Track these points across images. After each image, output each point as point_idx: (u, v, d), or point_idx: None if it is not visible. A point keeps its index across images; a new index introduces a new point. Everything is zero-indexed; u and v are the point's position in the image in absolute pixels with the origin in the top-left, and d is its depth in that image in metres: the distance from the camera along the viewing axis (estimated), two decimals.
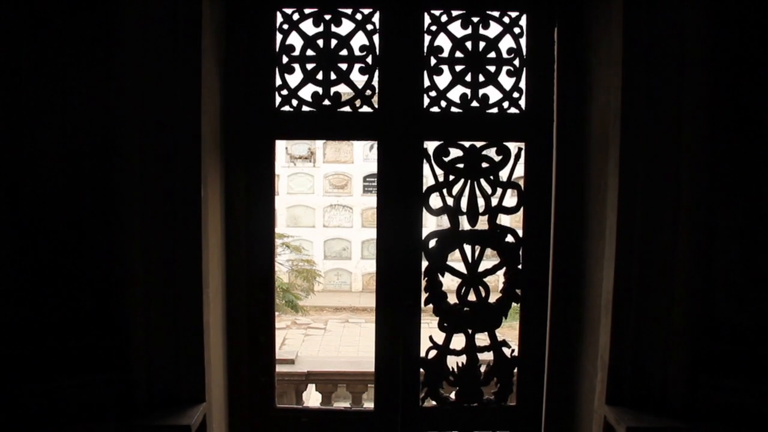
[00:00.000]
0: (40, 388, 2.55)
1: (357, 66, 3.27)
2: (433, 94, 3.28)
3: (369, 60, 3.26)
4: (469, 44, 3.27)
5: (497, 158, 3.35)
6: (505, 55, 3.27)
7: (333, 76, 3.27)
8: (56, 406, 2.57)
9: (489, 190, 3.35)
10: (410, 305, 3.38)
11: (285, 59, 3.26)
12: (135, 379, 2.71)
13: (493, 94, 3.30)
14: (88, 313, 2.69)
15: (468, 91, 3.29)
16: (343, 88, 3.28)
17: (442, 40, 3.28)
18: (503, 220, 3.35)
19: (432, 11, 3.25)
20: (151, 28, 2.63)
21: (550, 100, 3.29)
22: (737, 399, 2.65)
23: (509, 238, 3.39)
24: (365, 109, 3.33)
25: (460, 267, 3.37)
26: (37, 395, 2.54)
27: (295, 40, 3.25)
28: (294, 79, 3.28)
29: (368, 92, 3.30)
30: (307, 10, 3.23)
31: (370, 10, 3.24)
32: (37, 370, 2.56)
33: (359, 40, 3.25)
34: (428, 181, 3.31)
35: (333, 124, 3.33)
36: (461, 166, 3.34)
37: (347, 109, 3.31)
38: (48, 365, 2.59)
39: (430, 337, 3.44)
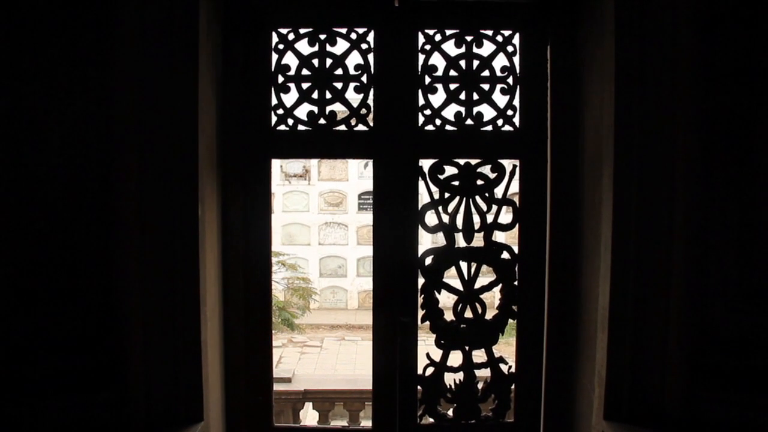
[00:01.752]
0: (37, 408, 2.53)
1: (352, 85, 3.29)
2: (427, 112, 3.31)
3: (364, 79, 3.29)
4: (463, 63, 3.30)
5: (492, 175, 3.36)
6: (498, 74, 3.30)
7: (328, 95, 3.29)
8: (53, 425, 2.55)
9: (484, 207, 3.37)
10: (407, 323, 3.37)
11: (281, 79, 3.28)
12: (132, 398, 2.70)
13: (488, 112, 3.32)
14: (85, 331, 2.68)
15: (462, 109, 3.31)
16: (338, 107, 3.30)
17: (436, 59, 3.31)
18: (499, 236, 3.36)
19: (426, 30, 3.28)
20: (147, 47, 2.65)
21: (544, 117, 3.31)
22: (736, 412, 2.64)
23: (505, 255, 3.40)
24: (360, 127, 3.35)
25: (457, 284, 3.38)
26: (33, 414, 2.53)
27: (290, 59, 3.28)
28: (290, 98, 3.30)
29: (363, 111, 3.32)
30: (302, 30, 3.26)
31: (365, 29, 3.27)
32: (33, 389, 2.55)
33: (354, 59, 3.28)
34: (424, 198, 3.34)
35: (329, 142, 3.35)
36: (456, 183, 3.35)
37: (343, 127, 3.33)
38: (45, 384, 2.57)
39: (427, 354, 3.44)
